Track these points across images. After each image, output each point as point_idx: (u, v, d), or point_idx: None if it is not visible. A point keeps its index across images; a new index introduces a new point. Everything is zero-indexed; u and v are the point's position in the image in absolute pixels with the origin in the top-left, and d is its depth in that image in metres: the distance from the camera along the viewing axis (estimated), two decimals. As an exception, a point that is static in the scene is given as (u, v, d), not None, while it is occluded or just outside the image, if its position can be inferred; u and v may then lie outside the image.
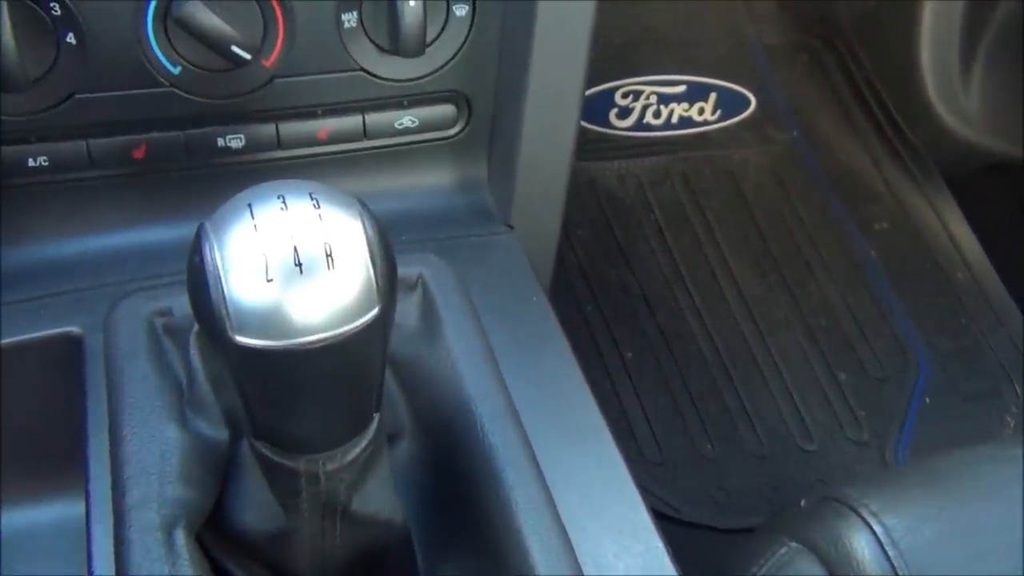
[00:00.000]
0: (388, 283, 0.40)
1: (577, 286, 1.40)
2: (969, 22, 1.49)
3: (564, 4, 0.65)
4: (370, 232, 0.40)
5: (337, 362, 0.40)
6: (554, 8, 0.64)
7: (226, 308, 0.38)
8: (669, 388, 1.32)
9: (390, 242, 0.41)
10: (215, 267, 0.38)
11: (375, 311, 0.39)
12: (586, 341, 1.34)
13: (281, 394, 0.42)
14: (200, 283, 0.39)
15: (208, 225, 0.39)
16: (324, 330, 0.38)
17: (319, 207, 0.39)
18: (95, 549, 0.50)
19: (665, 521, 1.20)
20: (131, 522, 0.49)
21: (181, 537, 0.48)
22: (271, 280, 0.38)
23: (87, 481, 0.52)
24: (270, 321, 0.38)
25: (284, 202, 0.39)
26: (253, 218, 0.38)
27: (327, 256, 0.38)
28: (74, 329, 0.59)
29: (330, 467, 0.47)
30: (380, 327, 0.40)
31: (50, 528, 0.61)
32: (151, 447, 0.51)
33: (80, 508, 0.52)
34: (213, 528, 0.52)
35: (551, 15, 0.65)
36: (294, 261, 0.37)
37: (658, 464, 1.25)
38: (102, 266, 0.63)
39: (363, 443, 0.47)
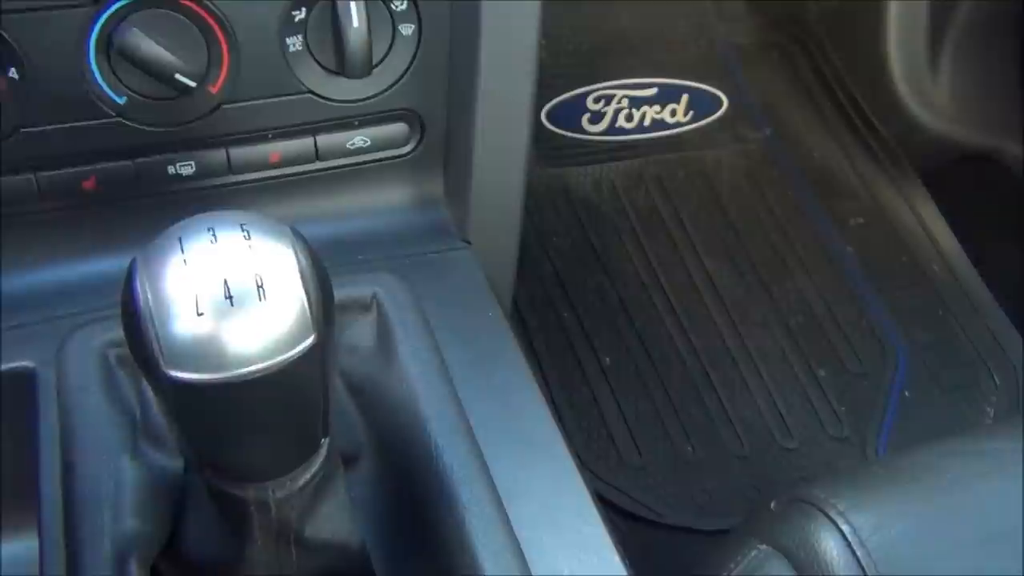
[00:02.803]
0: (323, 311, 0.40)
1: (553, 293, 1.40)
2: (935, 15, 1.50)
3: (508, 19, 0.65)
4: (303, 261, 0.40)
5: (275, 392, 0.40)
6: (498, 24, 0.65)
7: (158, 344, 0.38)
8: (648, 392, 1.32)
9: (325, 270, 0.41)
10: (146, 303, 0.38)
11: (310, 340, 0.39)
12: (564, 348, 1.34)
13: (220, 427, 0.42)
14: (132, 320, 0.39)
15: (139, 260, 0.39)
16: (258, 361, 0.38)
17: (249, 238, 0.39)
18: (49, 584, 0.50)
19: (647, 525, 1.20)
20: (84, 555, 0.49)
21: (134, 570, 0.48)
22: (202, 314, 0.38)
23: (40, 515, 0.52)
24: (203, 355, 0.38)
25: (214, 234, 0.39)
26: (183, 252, 0.38)
27: (258, 287, 0.38)
28: (27, 363, 0.59)
29: (279, 495, 0.46)
30: (317, 355, 0.40)
31: (6, 565, 0.61)
32: (104, 480, 0.51)
33: (35, 543, 0.52)
34: (169, 559, 0.52)
35: (496, 31, 0.65)
36: (224, 294, 0.37)
37: (639, 468, 1.25)
38: (54, 298, 0.63)
39: (312, 469, 0.47)
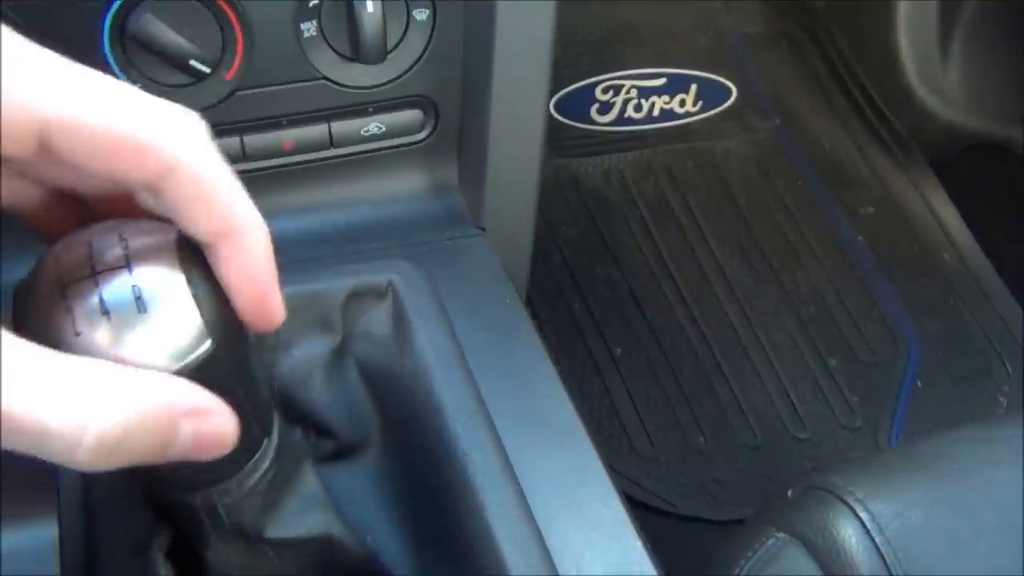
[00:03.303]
0: (216, 316, 0.37)
1: (563, 284, 1.39)
2: (946, 3, 1.49)
3: (524, 4, 0.64)
4: (190, 268, 0.37)
5: None
6: (514, 8, 0.64)
7: None
8: (659, 382, 1.32)
9: (214, 275, 0.38)
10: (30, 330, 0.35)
11: (205, 347, 0.36)
12: (574, 338, 1.34)
13: None
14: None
15: (17, 285, 0.37)
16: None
17: (127, 248, 0.36)
18: (68, 571, 0.50)
19: (659, 515, 1.20)
20: (103, 543, 0.49)
21: (153, 558, 0.48)
22: (79, 334, 0.35)
23: (59, 504, 0.52)
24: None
25: (91, 247, 0.36)
26: (59, 270, 0.36)
27: (136, 299, 0.35)
28: None
29: (227, 500, 0.44)
30: (221, 361, 0.37)
31: (25, 552, 0.61)
32: (122, 470, 0.51)
33: (50, 533, 0.52)
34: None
35: (512, 15, 0.64)
36: (101, 310, 0.34)
37: (651, 459, 1.25)
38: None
39: (260, 470, 0.45)
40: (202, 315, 0.36)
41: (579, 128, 1.55)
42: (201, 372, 0.36)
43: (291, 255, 0.64)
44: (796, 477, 0.77)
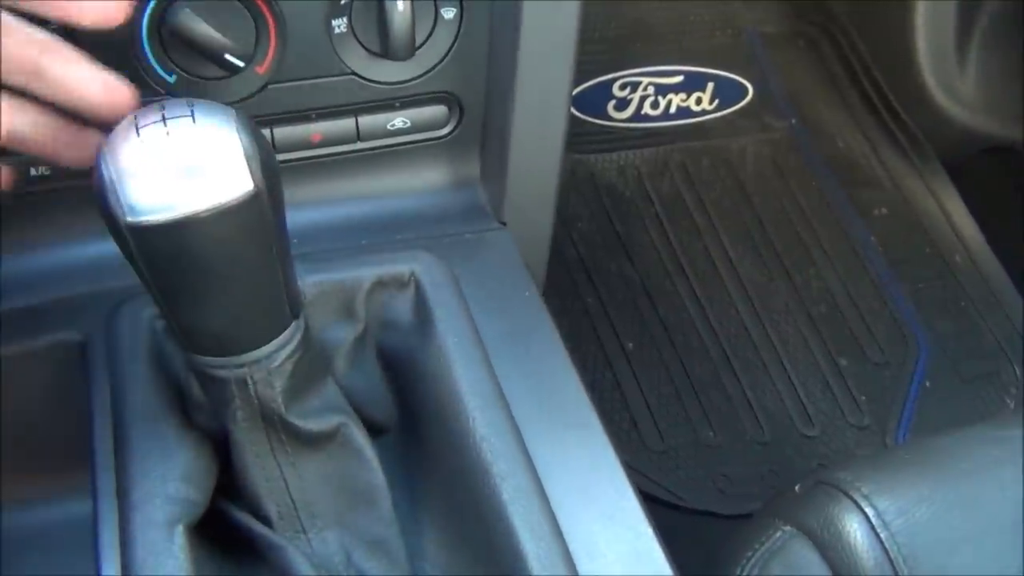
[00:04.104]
0: (262, 168, 0.44)
1: (578, 278, 1.41)
2: (964, 5, 1.50)
3: (550, 3, 0.66)
4: (242, 121, 0.44)
5: (222, 240, 0.44)
6: (540, 8, 0.66)
7: (115, 195, 0.42)
8: (671, 377, 1.33)
9: (266, 140, 0.46)
10: (105, 168, 0.43)
11: (249, 189, 0.43)
12: (587, 332, 1.35)
13: (183, 280, 0.45)
14: (96, 187, 0.43)
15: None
16: (198, 203, 0.43)
17: (193, 106, 0.44)
18: (102, 544, 0.52)
19: (668, 509, 1.22)
20: (135, 519, 0.51)
21: (180, 535, 0.50)
22: (139, 131, 0.43)
23: (94, 481, 0.54)
24: (155, 197, 0.42)
25: (163, 107, 0.44)
26: (135, 119, 0.44)
27: (194, 126, 0.43)
28: (77, 335, 0.61)
29: (258, 375, 0.50)
30: (258, 208, 0.44)
31: (51, 528, 0.63)
32: (153, 446, 0.53)
33: (81, 508, 0.53)
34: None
35: (538, 15, 0.66)
36: (165, 133, 0.43)
37: (661, 453, 1.27)
38: (103, 271, 0.64)
39: (288, 348, 0.50)
40: (248, 162, 0.43)
41: (596, 124, 1.57)
42: (242, 211, 0.43)
43: (316, 245, 0.66)
44: (804, 474, 0.79)
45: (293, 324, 0.51)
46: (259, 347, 0.50)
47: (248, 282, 0.47)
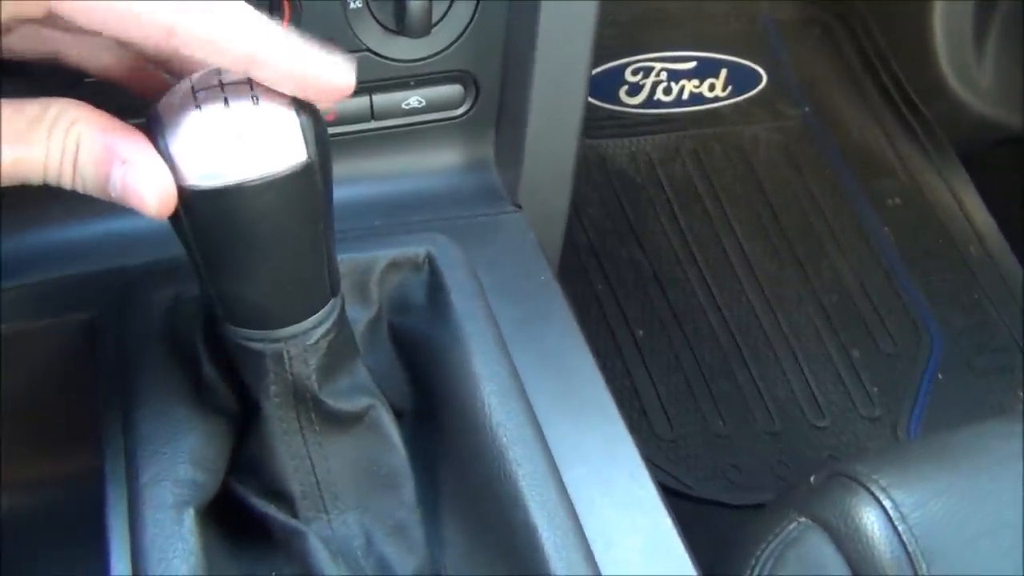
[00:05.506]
0: (316, 140, 0.43)
1: (588, 265, 1.40)
2: (982, -5, 1.48)
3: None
4: (300, 106, 0.43)
5: (270, 210, 0.43)
6: (560, -14, 0.64)
7: (172, 160, 0.42)
8: (681, 366, 1.32)
9: (320, 114, 0.44)
10: (160, 130, 0.42)
11: (302, 159, 0.43)
12: (597, 319, 1.35)
13: (230, 248, 0.45)
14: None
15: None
16: (251, 171, 0.42)
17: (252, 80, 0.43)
18: (111, 526, 0.51)
19: (677, 498, 1.21)
20: (144, 502, 0.50)
21: (190, 518, 0.49)
22: (199, 107, 0.41)
23: (102, 463, 0.53)
24: (209, 163, 0.42)
25: (220, 73, 0.43)
26: (192, 83, 0.43)
27: (253, 98, 0.42)
28: (87, 314, 0.60)
29: (294, 350, 0.49)
30: (309, 180, 0.43)
31: (59, 510, 0.62)
32: (163, 428, 0.52)
33: (89, 490, 0.53)
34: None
35: (556, -8, 0.65)
36: (222, 97, 0.42)
37: (670, 441, 1.26)
38: (114, 249, 0.63)
39: (325, 326, 0.50)
40: (303, 133, 0.43)
41: (607, 109, 1.55)
42: (294, 183, 0.43)
43: (329, 225, 0.65)
44: (814, 465, 0.78)
45: (331, 302, 0.50)
46: (297, 322, 0.49)
47: (293, 255, 0.46)
